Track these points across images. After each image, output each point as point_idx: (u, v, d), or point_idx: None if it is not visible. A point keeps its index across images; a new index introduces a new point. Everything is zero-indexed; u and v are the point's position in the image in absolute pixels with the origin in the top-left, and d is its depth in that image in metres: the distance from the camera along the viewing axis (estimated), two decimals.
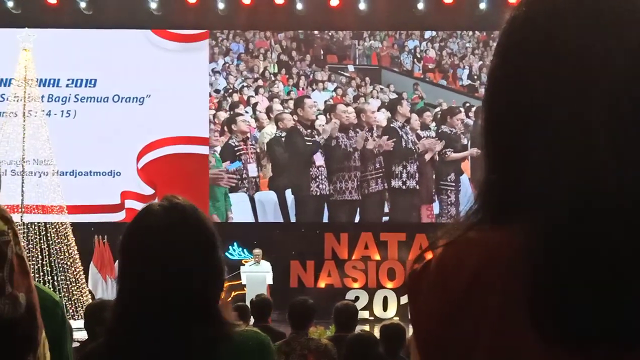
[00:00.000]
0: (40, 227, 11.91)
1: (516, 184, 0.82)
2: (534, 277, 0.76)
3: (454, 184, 14.43)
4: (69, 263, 11.82)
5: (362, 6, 14.18)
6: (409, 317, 0.90)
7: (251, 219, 14.41)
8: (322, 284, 14.08)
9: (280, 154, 14.44)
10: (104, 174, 14.46)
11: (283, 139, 14.49)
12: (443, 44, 14.79)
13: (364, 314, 12.90)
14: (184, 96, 14.28)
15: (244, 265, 12.69)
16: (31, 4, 14.14)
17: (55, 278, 11.72)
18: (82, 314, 9.30)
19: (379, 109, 14.60)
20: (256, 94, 14.73)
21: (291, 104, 14.65)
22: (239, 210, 14.42)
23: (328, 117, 14.55)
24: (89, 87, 14.58)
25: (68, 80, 14.55)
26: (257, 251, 12.65)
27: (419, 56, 14.82)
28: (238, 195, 14.45)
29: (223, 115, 14.64)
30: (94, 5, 14.21)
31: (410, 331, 2.04)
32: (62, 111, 14.51)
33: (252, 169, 14.47)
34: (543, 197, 0.78)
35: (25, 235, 11.38)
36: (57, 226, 11.89)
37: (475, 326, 0.80)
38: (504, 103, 0.86)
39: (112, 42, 14.26)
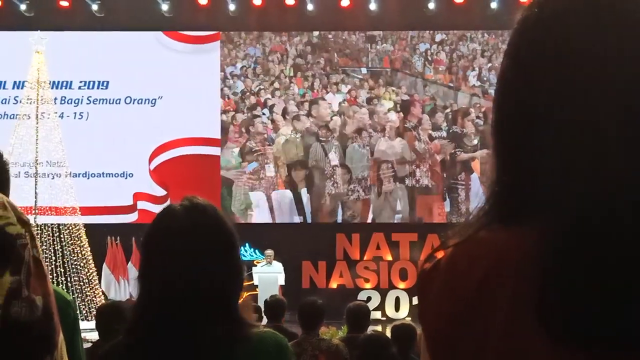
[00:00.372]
0: (54, 229, 11.99)
1: (527, 186, 0.81)
2: (543, 280, 0.76)
3: (464, 183, 14.53)
4: (82, 264, 11.88)
5: (372, 7, 14.18)
6: (418, 315, 0.90)
7: (268, 219, 14.49)
8: (334, 285, 14.08)
9: (295, 155, 14.59)
10: (116, 175, 14.50)
11: (298, 140, 14.63)
12: (453, 46, 14.82)
13: (376, 315, 12.85)
14: (196, 97, 14.33)
15: (255, 266, 12.68)
16: (44, 7, 14.19)
17: (69, 279, 11.79)
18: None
19: (389, 110, 14.72)
20: (272, 96, 14.84)
21: (306, 105, 14.78)
22: (257, 209, 14.56)
23: (342, 118, 14.67)
24: (101, 89, 14.63)
25: (80, 82, 14.60)
26: (269, 252, 12.63)
27: (430, 59, 14.86)
28: (256, 194, 14.62)
29: (241, 117, 14.74)
30: (105, 8, 14.27)
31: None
32: (75, 113, 14.56)
33: (269, 169, 14.60)
34: (554, 202, 0.78)
35: (38, 236, 11.44)
36: (70, 227, 11.96)
37: (484, 326, 0.80)
38: (513, 104, 0.85)
39: (123, 44, 14.32)
